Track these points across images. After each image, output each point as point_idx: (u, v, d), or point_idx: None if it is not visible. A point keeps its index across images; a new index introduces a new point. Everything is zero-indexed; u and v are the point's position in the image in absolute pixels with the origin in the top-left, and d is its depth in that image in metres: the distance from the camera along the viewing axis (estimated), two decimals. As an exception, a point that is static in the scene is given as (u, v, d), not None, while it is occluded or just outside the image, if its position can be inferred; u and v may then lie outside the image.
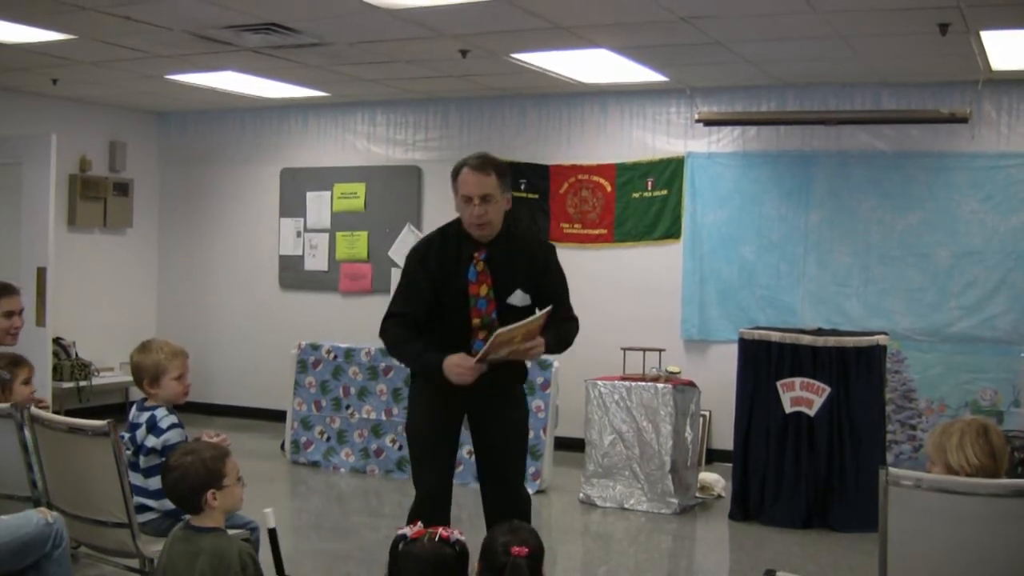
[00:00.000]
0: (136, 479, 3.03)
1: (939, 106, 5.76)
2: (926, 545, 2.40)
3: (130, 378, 3.21)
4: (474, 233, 2.92)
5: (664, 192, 6.66)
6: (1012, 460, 4.92)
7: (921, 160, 5.90)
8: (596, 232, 6.81)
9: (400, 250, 7.23)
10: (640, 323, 6.55)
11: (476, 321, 2.89)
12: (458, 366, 2.77)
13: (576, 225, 6.89)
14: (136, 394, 3.34)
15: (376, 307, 7.28)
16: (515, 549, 1.94)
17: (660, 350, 5.57)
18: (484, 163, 2.90)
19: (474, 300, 2.91)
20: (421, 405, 3.04)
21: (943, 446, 2.52)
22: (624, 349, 5.55)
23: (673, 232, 6.61)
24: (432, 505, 2.91)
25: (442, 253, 2.94)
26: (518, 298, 2.94)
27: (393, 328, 2.93)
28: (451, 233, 3.00)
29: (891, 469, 2.46)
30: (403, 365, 3.16)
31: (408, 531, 2.02)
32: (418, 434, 3.04)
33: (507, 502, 2.97)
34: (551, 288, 3.01)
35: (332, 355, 6.13)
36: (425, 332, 2.92)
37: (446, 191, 7.24)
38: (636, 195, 6.73)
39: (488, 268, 2.92)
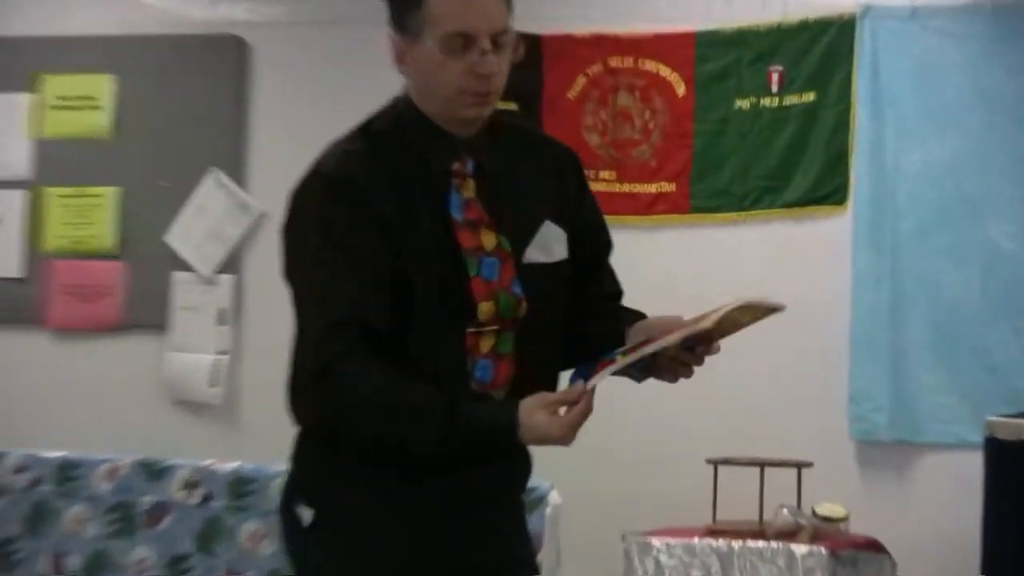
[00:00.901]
0: None
1: None
2: None
3: None
4: (467, 113, 2.79)
5: (809, 97, 6.25)
6: None
7: None
8: (651, 189, 6.47)
9: (194, 231, 6.93)
10: (752, 403, 6.18)
11: (485, 307, 2.77)
12: (562, 423, 2.62)
13: (606, 173, 6.57)
14: None
15: (133, 362, 6.98)
16: None
17: (800, 465, 5.47)
18: None
19: (472, 262, 2.79)
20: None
21: None
22: (714, 463, 5.47)
23: (831, 190, 6.20)
24: None
25: (386, 171, 2.85)
26: (549, 243, 2.94)
27: (357, 358, 2.72)
28: (389, 131, 2.87)
29: None
30: (384, 448, 2.79)
31: None
32: None
33: None
34: (594, 227, 3.05)
35: (29, 477, 5.93)
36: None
37: (304, 93, 6.95)
38: (742, 104, 6.36)
39: (481, 193, 2.86)
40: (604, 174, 6.57)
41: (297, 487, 2.90)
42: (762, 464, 5.38)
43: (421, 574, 2.88)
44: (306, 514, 2.82)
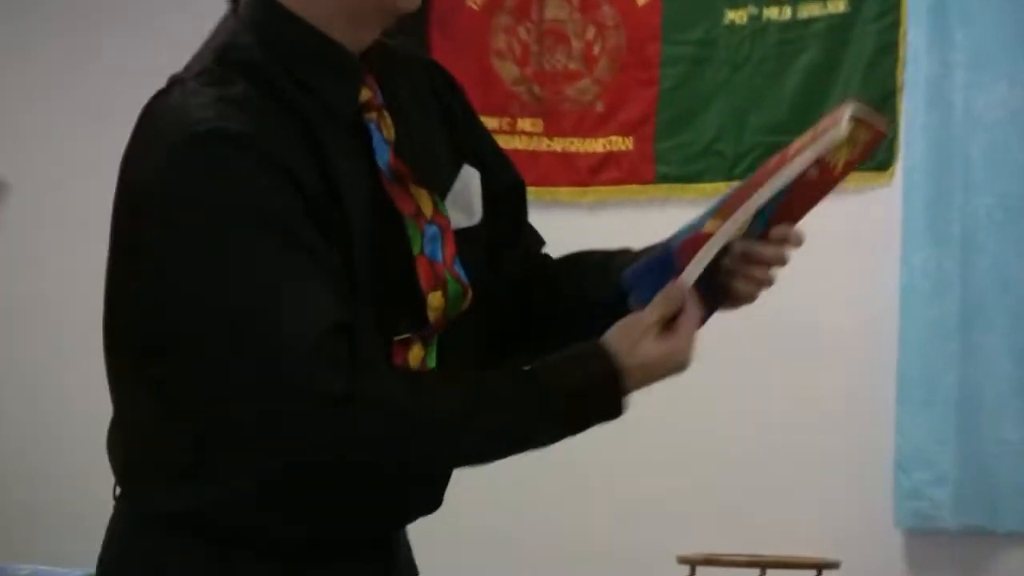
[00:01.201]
0: None
1: None
2: None
3: None
4: (397, 5, 2.59)
5: (838, 6, 6.00)
6: None
7: None
8: (598, 147, 6.22)
9: None
10: (751, 475, 5.93)
11: (434, 299, 2.50)
12: (678, 344, 2.35)
13: (529, 122, 6.40)
14: None
15: None
16: None
17: (822, 566, 5.30)
18: None
19: (416, 234, 2.54)
20: None
21: None
22: (691, 562, 5.44)
23: (875, 151, 5.41)
24: None
25: (285, 116, 2.47)
26: (469, 197, 2.72)
27: (376, 370, 2.38)
28: (261, 58, 2.50)
29: None
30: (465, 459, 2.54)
31: None
32: None
33: None
34: (497, 162, 2.78)
35: None
36: None
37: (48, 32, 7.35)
38: (735, 17, 6.09)
39: (399, 134, 2.65)
40: (525, 123, 6.26)
41: None
42: (763, 565, 5.08)
43: None
44: None
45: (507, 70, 6.25)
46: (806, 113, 5.89)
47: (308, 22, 2.35)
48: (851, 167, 2.18)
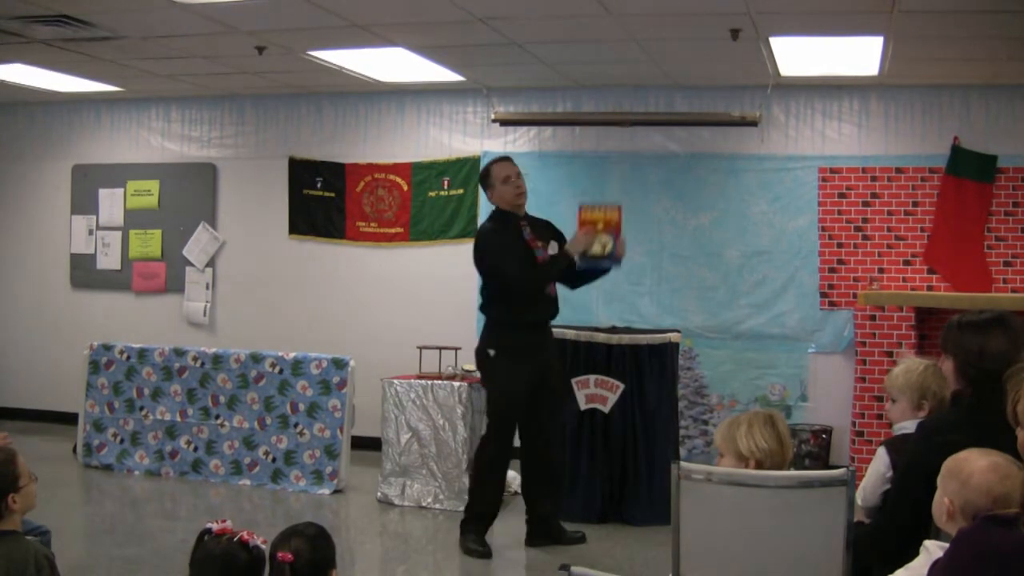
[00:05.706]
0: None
1: (730, 109, 9.54)
2: (717, 536, 3.78)
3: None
4: (515, 205, 7.19)
5: (460, 191, 10.14)
6: (798, 452, 8.63)
7: (712, 162, 9.77)
8: (392, 231, 10.40)
9: (194, 249, 10.94)
10: (436, 322, 9.96)
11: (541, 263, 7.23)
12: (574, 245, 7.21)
13: (372, 224, 10.38)
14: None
15: (170, 307, 11.28)
16: (280, 555, 3.07)
17: (456, 348, 8.66)
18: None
19: (535, 251, 7.27)
20: None
21: (732, 436, 4.02)
22: (420, 348, 8.66)
23: (468, 231, 9.97)
24: None
25: (509, 227, 7.23)
26: (554, 246, 7.03)
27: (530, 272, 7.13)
28: (501, 214, 7.15)
29: (683, 463, 3.82)
30: None
31: (215, 526, 3.07)
32: None
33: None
34: (562, 239, 7.35)
35: (125, 355, 9.41)
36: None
37: (242, 189, 11.35)
38: (432, 194, 10.23)
39: (533, 231, 7.14)
40: (372, 224, 10.15)
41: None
42: (440, 348, 8.31)
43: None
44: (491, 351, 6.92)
45: (367, 209, 9.96)
46: (451, 222, 9.90)
47: (503, 207, 7.17)
48: (610, 225, 6.84)
